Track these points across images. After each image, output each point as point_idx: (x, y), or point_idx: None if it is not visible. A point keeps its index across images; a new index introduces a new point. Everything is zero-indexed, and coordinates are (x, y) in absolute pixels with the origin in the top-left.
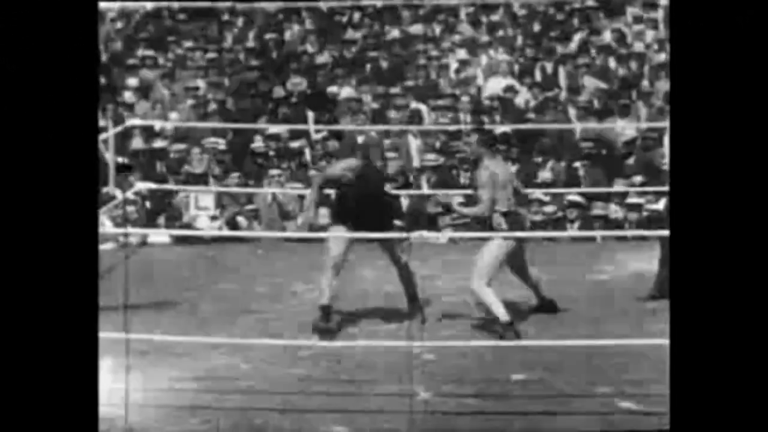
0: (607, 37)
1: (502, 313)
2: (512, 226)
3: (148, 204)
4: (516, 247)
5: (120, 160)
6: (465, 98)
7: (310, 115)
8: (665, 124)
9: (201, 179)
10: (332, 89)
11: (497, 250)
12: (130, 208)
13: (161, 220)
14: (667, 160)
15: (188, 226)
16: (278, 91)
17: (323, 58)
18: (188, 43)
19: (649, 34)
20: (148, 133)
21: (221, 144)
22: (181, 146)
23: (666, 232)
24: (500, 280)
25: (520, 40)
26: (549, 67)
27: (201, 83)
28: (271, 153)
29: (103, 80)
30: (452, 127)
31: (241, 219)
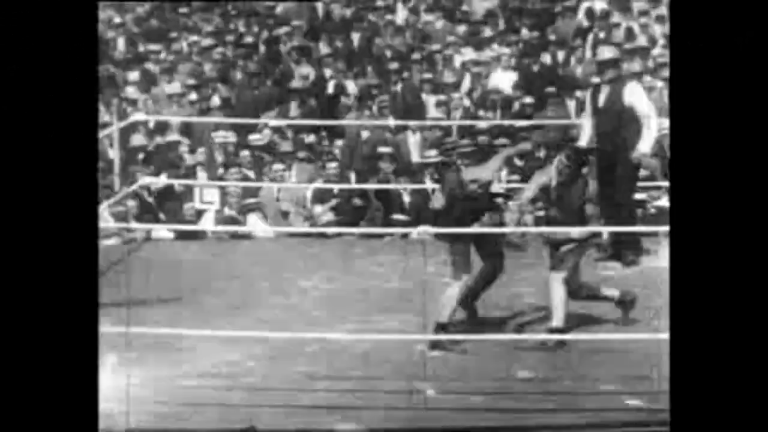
0: (614, 31)
1: (559, 317)
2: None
3: (152, 199)
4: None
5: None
6: (457, 95)
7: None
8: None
9: (193, 172)
10: (334, 84)
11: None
12: (133, 203)
13: (165, 215)
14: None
15: (192, 221)
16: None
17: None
18: (192, 37)
19: (657, 29)
20: (154, 127)
21: (230, 137)
22: (174, 138)
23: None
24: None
25: (523, 34)
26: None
27: (204, 77)
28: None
29: (106, 75)
30: (461, 122)
31: (253, 215)
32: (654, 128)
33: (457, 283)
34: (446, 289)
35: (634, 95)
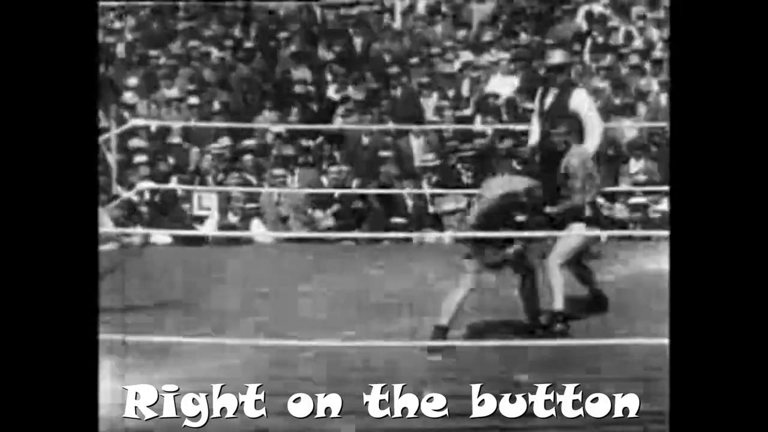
0: (613, 35)
1: (559, 300)
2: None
3: (150, 205)
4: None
5: None
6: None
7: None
8: (665, 123)
9: (195, 178)
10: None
11: (579, 238)
12: (131, 208)
13: (164, 220)
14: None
15: (190, 226)
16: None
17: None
18: (191, 42)
19: (655, 33)
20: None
21: (226, 141)
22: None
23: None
24: None
25: (521, 38)
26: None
27: (204, 82)
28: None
29: (105, 79)
30: (461, 126)
31: (256, 220)
32: (597, 137)
33: (461, 286)
34: (450, 293)
35: (580, 102)
